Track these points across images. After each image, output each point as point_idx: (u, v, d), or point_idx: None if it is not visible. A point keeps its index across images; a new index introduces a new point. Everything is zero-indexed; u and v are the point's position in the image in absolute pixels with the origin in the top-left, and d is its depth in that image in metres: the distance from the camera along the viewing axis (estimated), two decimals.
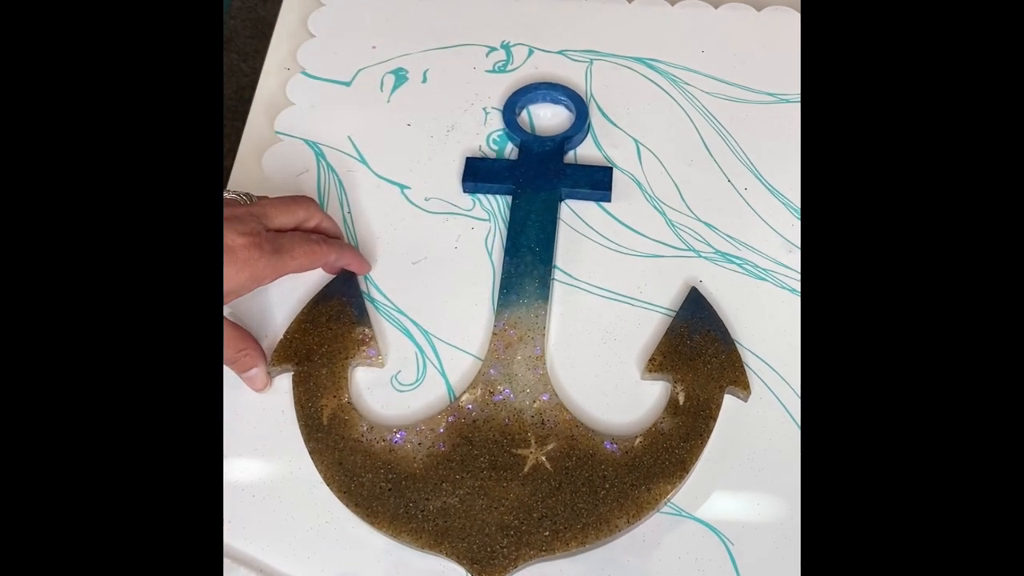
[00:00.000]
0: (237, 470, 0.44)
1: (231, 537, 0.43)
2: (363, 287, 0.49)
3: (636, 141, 0.55)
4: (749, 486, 0.44)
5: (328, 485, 0.43)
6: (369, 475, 0.43)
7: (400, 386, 0.47)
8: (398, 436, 0.44)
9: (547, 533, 0.41)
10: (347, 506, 0.42)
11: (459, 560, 0.41)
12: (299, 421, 0.44)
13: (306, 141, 0.55)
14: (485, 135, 0.55)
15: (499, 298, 0.48)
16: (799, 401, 0.45)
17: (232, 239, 0.43)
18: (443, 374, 0.47)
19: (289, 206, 0.47)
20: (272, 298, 0.49)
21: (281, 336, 0.47)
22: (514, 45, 0.59)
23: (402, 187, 0.53)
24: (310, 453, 0.43)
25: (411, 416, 0.46)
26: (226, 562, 0.42)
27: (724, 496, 0.43)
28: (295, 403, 0.45)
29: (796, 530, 0.42)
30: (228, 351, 0.45)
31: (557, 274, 0.50)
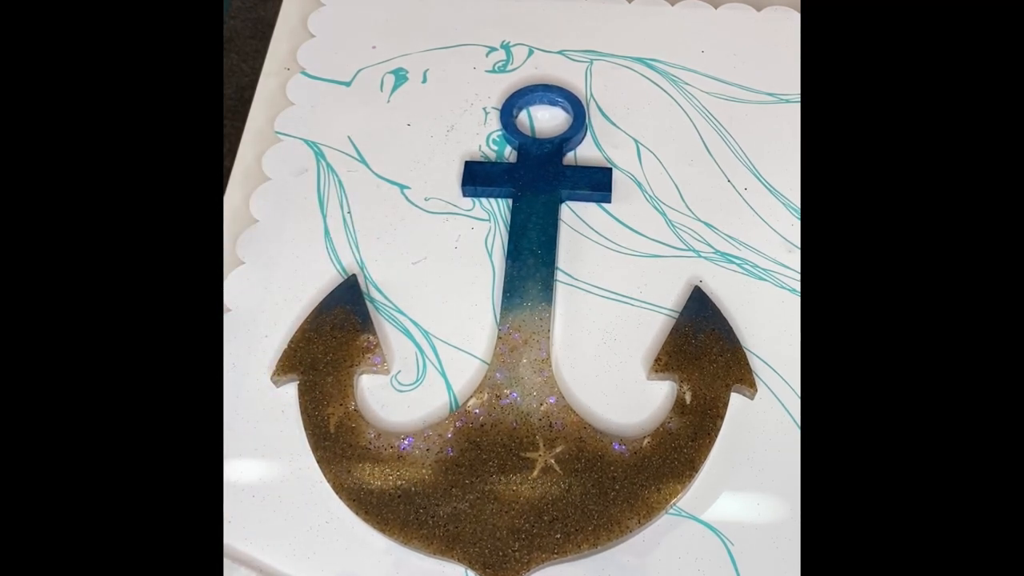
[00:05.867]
0: (237, 470, 0.44)
1: (231, 537, 0.43)
2: (363, 288, 0.49)
3: (636, 141, 0.55)
4: (749, 486, 0.44)
5: (337, 493, 0.42)
6: (378, 482, 0.43)
7: (400, 386, 0.47)
8: (406, 442, 0.44)
9: (559, 536, 0.41)
10: (357, 514, 0.42)
11: (471, 565, 0.41)
12: (306, 430, 0.44)
13: (306, 141, 0.55)
14: (485, 135, 0.55)
15: (502, 301, 0.48)
16: (799, 401, 0.45)
17: None
18: (443, 374, 0.47)
19: None
20: (274, 308, 0.49)
21: (285, 346, 0.47)
22: (514, 45, 0.59)
23: (402, 187, 0.53)
24: (318, 462, 0.43)
25: (416, 420, 0.45)
26: (226, 562, 0.42)
27: (724, 496, 0.43)
28: (301, 412, 0.45)
29: (796, 530, 0.42)
30: None
31: (559, 275, 0.50)
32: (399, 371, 0.47)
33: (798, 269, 0.50)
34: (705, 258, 0.50)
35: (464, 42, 0.59)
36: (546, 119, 0.56)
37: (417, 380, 0.47)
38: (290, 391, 0.46)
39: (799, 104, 0.55)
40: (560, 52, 0.59)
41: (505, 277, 0.49)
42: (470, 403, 0.45)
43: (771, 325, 0.48)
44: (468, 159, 0.54)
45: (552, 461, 0.43)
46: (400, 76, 0.58)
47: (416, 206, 0.52)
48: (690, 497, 0.43)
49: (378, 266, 0.50)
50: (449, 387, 0.47)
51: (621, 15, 0.60)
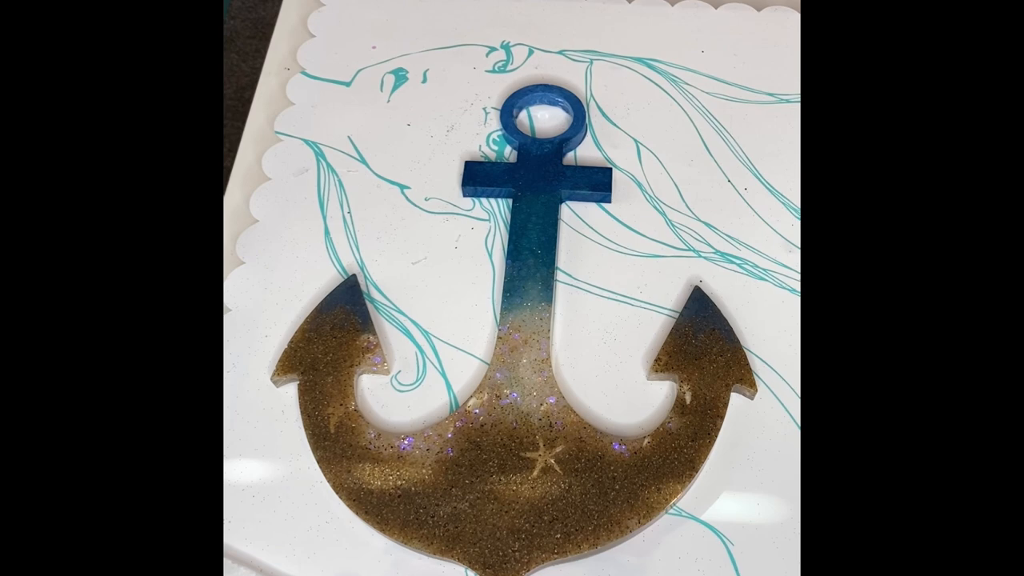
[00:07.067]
0: (237, 470, 0.44)
1: (231, 537, 0.43)
2: (364, 288, 0.49)
3: (636, 141, 0.55)
4: (749, 486, 0.44)
5: (337, 493, 0.42)
6: (378, 482, 0.43)
7: (400, 386, 0.47)
8: (406, 442, 0.44)
9: (559, 536, 0.41)
10: (357, 514, 0.42)
11: (471, 565, 0.41)
12: (306, 430, 0.44)
13: (306, 141, 0.55)
14: (485, 135, 0.55)
15: (502, 302, 0.48)
16: (799, 401, 0.45)
17: None
18: (443, 374, 0.47)
19: None
20: (275, 308, 0.49)
21: (285, 346, 0.47)
22: (514, 45, 0.59)
23: (402, 187, 0.53)
24: (318, 462, 0.43)
25: (416, 420, 0.46)
26: (226, 562, 0.42)
27: (724, 496, 0.43)
28: (301, 412, 0.45)
29: (796, 530, 0.42)
30: None
31: (559, 275, 0.50)
32: (399, 371, 0.47)
33: (798, 269, 0.50)
34: (705, 258, 0.50)
35: (464, 42, 0.59)
36: (546, 119, 0.56)
37: (417, 380, 0.47)
38: (290, 391, 0.46)
39: (799, 104, 0.55)
40: (560, 52, 0.59)
41: (505, 277, 0.49)
42: (470, 403, 0.45)
43: (771, 325, 0.48)
44: (468, 159, 0.54)
45: (552, 461, 0.43)
46: (400, 76, 0.58)
47: (416, 206, 0.52)
48: (690, 497, 0.43)
49: (378, 266, 0.50)
50: (449, 387, 0.47)
51: (621, 15, 0.60)
